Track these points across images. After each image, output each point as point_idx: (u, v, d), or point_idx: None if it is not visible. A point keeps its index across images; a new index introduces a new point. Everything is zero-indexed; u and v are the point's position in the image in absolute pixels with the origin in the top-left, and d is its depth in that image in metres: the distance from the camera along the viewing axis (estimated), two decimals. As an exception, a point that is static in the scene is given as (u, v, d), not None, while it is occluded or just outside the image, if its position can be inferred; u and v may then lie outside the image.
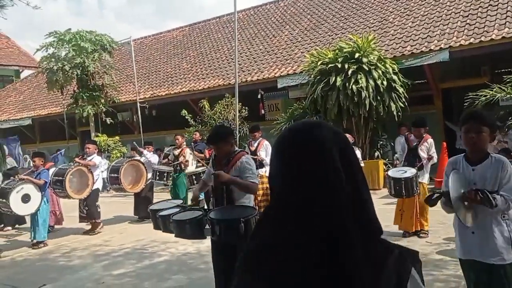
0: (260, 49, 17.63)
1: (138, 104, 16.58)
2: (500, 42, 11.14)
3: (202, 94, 16.31)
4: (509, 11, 12.06)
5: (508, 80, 10.32)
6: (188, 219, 3.80)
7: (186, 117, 15.08)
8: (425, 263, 5.14)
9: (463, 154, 3.03)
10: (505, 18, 11.88)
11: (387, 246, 0.98)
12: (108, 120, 17.75)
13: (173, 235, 3.95)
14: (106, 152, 16.89)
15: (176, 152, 10.01)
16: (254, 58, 17.14)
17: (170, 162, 9.92)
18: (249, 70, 16.25)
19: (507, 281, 2.80)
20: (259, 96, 15.34)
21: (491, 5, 12.88)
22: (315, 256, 0.91)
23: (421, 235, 6.41)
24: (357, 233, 0.93)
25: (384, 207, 7.79)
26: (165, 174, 9.53)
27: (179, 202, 4.47)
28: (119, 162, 9.56)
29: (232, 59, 14.14)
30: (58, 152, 16.48)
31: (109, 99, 18.36)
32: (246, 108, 14.36)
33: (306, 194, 0.95)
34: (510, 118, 9.62)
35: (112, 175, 9.00)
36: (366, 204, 0.99)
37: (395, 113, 11.56)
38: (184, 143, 10.54)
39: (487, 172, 2.82)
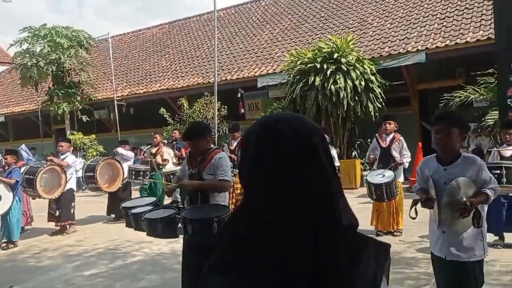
0: (241, 48, 17.59)
1: (116, 102, 16.33)
2: (474, 45, 11.35)
3: (181, 92, 16.18)
4: (483, 14, 12.28)
5: (481, 81, 10.51)
6: (160, 217, 3.73)
7: (165, 116, 14.92)
8: (397, 261, 5.19)
9: (434, 154, 3.05)
10: (480, 22, 12.10)
11: (361, 239, 0.95)
12: (84, 118, 17.44)
13: (145, 233, 3.87)
14: (82, 150, 16.59)
15: (153, 150, 9.89)
16: (234, 57, 17.08)
17: (146, 158, 9.80)
18: (229, 69, 16.19)
19: (474, 277, 2.82)
20: (239, 95, 15.31)
21: (466, 8, 13.11)
22: (290, 249, 0.88)
23: (395, 233, 6.46)
24: (334, 228, 0.90)
25: (361, 206, 7.82)
26: (141, 173, 9.39)
27: (153, 200, 4.39)
28: (95, 161, 9.35)
29: (212, 57, 14.07)
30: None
31: (85, 96, 18.04)
32: (226, 107, 14.29)
33: (283, 189, 0.92)
34: (483, 119, 9.79)
35: (88, 174, 8.78)
36: (342, 199, 0.96)
37: (372, 113, 11.65)
38: (170, 140, 10.38)
39: (458, 172, 2.83)
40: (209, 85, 14.62)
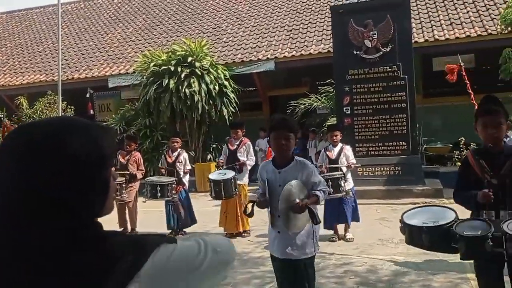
0: (90, 45, 16.52)
1: None
2: (317, 57, 12.43)
3: (19, 90, 14.59)
4: (325, 29, 13.51)
5: (323, 91, 11.57)
6: None
7: (0, 116, 13.25)
8: (245, 261, 5.34)
9: (271, 159, 3.21)
10: (321, 36, 13.28)
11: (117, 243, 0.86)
12: None
13: None
14: None
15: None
16: (82, 54, 15.97)
17: None
18: (76, 67, 15.10)
19: (307, 274, 3.01)
20: (87, 95, 14.36)
21: (310, 22, 14.29)
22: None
23: (243, 234, 6.65)
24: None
25: (215, 209, 7.90)
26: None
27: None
28: None
29: (57, 53, 12.93)
30: None
31: None
32: (72, 107, 13.26)
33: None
34: (324, 125, 10.74)
35: None
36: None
37: (226, 117, 11.93)
38: None
39: (290, 175, 2.99)
40: (53, 83, 13.42)
